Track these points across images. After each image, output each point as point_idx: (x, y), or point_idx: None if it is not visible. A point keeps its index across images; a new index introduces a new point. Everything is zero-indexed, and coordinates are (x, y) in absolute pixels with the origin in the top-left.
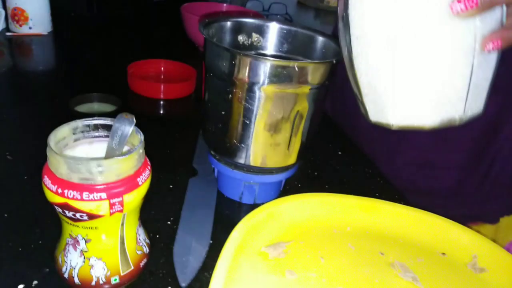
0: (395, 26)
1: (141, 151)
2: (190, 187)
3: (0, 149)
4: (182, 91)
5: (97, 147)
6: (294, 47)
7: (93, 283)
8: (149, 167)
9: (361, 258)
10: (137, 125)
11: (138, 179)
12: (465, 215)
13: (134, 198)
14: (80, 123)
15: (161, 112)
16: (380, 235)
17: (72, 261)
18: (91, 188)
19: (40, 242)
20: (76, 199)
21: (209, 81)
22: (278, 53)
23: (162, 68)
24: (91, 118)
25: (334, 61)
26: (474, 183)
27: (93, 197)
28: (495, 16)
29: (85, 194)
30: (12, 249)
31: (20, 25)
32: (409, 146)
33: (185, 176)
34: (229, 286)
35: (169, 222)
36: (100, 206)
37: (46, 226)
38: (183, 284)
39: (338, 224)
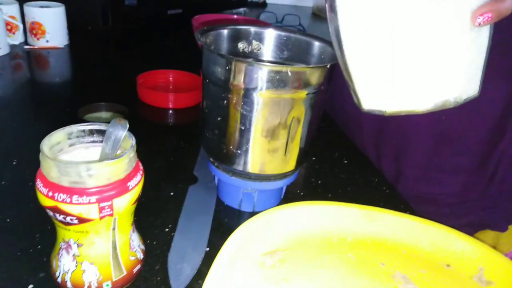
0: (386, 7)
1: (132, 155)
2: (189, 195)
3: (7, 155)
4: (191, 100)
5: (93, 151)
6: (293, 53)
7: (85, 287)
8: (141, 172)
9: (360, 268)
10: (144, 133)
11: (129, 183)
12: (472, 223)
13: (124, 202)
14: (75, 128)
15: (170, 121)
16: (382, 245)
17: (65, 266)
18: (80, 192)
19: (39, 247)
20: (66, 202)
21: (206, 88)
22: (278, 60)
23: (171, 78)
24: (86, 124)
25: (329, 66)
26: (479, 189)
27: (83, 200)
28: None
29: (74, 198)
30: (11, 253)
31: (38, 39)
32: (414, 148)
33: (186, 183)
34: None
35: (167, 229)
36: (89, 209)
37: (47, 232)
38: None
39: (338, 234)
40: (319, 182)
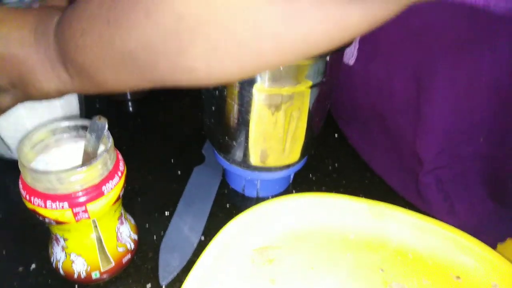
0: None
1: (108, 158)
2: (193, 176)
3: None
4: None
5: (82, 145)
6: None
7: (75, 276)
8: (119, 174)
9: (356, 272)
10: (165, 97)
11: (104, 187)
12: None
13: (100, 206)
14: (58, 125)
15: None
16: (387, 246)
17: (57, 254)
18: (53, 197)
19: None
20: (41, 206)
21: None
22: None
23: None
24: (69, 120)
25: (328, 58)
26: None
27: (56, 206)
28: None
29: (48, 203)
30: (16, 232)
31: None
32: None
33: (194, 162)
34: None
35: (167, 213)
36: (63, 214)
37: None
38: (162, 283)
39: (341, 230)
40: (336, 165)
